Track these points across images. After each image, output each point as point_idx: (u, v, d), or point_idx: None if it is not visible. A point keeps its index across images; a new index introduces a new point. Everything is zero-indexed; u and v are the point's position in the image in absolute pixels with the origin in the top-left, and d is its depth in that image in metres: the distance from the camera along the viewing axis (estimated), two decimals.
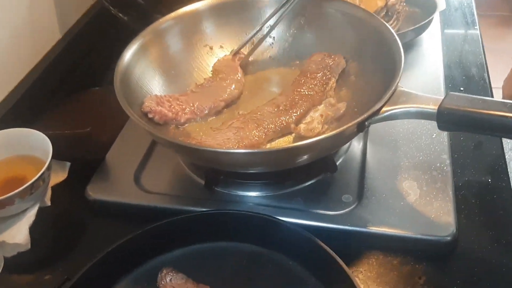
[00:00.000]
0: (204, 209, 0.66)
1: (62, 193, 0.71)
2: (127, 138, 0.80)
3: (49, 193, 0.70)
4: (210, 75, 0.83)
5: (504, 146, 0.77)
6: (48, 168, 0.67)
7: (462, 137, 0.77)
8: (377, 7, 0.92)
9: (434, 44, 0.98)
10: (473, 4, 1.12)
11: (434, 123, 0.75)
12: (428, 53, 0.96)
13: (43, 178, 0.66)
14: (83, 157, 0.77)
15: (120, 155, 0.77)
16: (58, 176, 0.73)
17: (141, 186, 0.72)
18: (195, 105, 0.74)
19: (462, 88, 0.88)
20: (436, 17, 1.02)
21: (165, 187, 0.72)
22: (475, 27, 1.04)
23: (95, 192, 0.71)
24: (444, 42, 0.99)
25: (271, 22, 0.85)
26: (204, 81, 0.81)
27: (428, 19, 0.93)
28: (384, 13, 0.94)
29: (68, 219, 0.72)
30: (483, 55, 0.96)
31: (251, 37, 0.84)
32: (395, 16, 0.95)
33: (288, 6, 0.81)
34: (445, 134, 0.76)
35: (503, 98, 1.26)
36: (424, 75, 0.89)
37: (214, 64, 0.84)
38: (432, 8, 0.96)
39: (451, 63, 0.94)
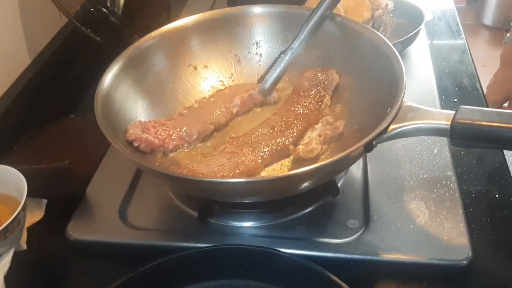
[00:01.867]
0: (198, 245, 0.61)
1: (40, 234, 0.64)
2: (109, 169, 0.74)
3: (24, 235, 0.63)
4: (195, 96, 0.78)
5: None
6: (23, 208, 0.60)
7: (464, 151, 0.74)
8: (364, 18, 0.89)
9: (423, 55, 0.95)
10: (456, 13, 1.11)
11: (435, 138, 0.73)
12: (418, 64, 0.93)
13: (18, 220, 0.60)
14: (61, 192, 0.70)
15: (102, 189, 0.70)
16: (34, 216, 0.66)
17: (128, 222, 0.65)
18: (183, 130, 0.69)
19: (456, 100, 0.85)
20: (423, 28, 0.99)
21: (154, 222, 0.66)
22: (461, 36, 1.03)
23: (77, 232, 0.65)
24: (432, 53, 0.96)
25: (257, 38, 0.81)
26: (195, 102, 0.75)
27: (416, 30, 0.91)
28: (370, 25, 0.92)
29: (48, 263, 0.65)
30: (472, 65, 0.94)
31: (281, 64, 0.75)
32: (382, 28, 0.92)
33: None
34: (446, 149, 0.72)
35: (487, 104, 1.25)
36: (417, 87, 0.86)
37: (224, 88, 0.79)
38: (419, 18, 0.94)
39: (441, 74, 0.92)
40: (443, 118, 0.54)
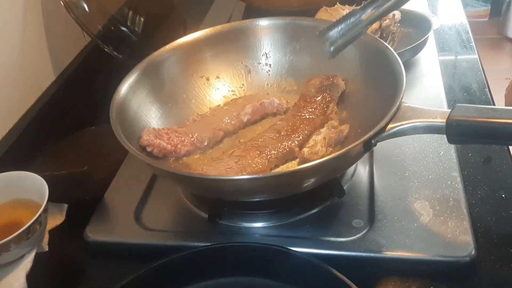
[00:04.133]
0: (209, 244, 0.63)
1: (60, 236, 0.68)
2: (126, 176, 0.77)
3: (46, 237, 0.67)
4: (208, 106, 0.81)
5: None
6: (45, 211, 0.64)
7: (470, 153, 0.75)
8: (372, 29, 0.91)
9: (431, 63, 0.97)
10: (467, 22, 1.12)
11: (440, 141, 0.75)
12: (427, 72, 0.94)
13: (40, 222, 0.64)
14: (81, 197, 0.74)
15: (119, 194, 0.74)
16: (56, 219, 0.70)
17: (142, 224, 0.68)
18: (194, 136, 0.72)
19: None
20: (431, 36, 1.01)
21: (167, 224, 0.69)
22: (471, 44, 1.04)
23: (94, 233, 0.68)
24: (441, 61, 0.98)
25: (266, 50, 0.85)
26: (209, 110, 0.79)
27: (424, 38, 0.93)
28: (378, 35, 0.94)
29: (67, 264, 0.69)
30: (482, 71, 0.95)
31: None
32: (390, 37, 0.94)
33: None
34: (452, 151, 0.74)
35: (506, 106, 1.25)
36: (425, 94, 0.88)
37: (238, 97, 0.83)
38: (427, 27, 0.96)
39: (450, 81, 0.93)
40: (439, 116, 0.56)
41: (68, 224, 0.69)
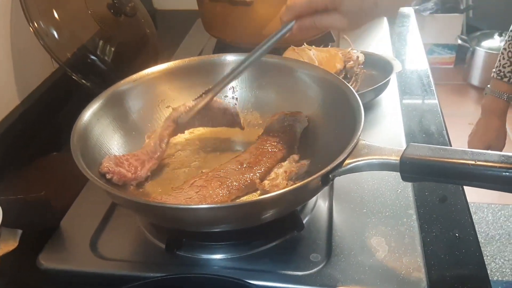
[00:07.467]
0: (165, 274, 0.62)
1: (12, 263, 0.66)
2: (84, 203, 0.76)
3: None
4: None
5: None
6: None
7: (427, 192, 0.77)
8: (336, 69, 0.95)
9: (393, 104, 1.00)
10: (428, 68, 1.17)
11: (398, 179, 0.76)
12: (388, 113, 0.98)
13: None
14: (36, 224, 0.72)
15: (76, 221, 0.73)
16: (9, 245, 0.68)
17: (98, 253, 0.67)
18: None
19: None
20: (394, 79, 1.05)
21: (124, 253, 0.68)
22: (431, 88, 1.08)
23: (48, 261, 0.66)
24: (403, 103, 1.01)
25: (233, 84, 0.86)
26: None
27: (386, 80, 0.96)
28: (342, 75, 0.97)
29: None
30: (441, 114, 0.99)
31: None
32: (353, 78, 0.98)
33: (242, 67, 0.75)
34: (409, 189, 0.76)
35: None
36: (385, 134, 0.91)
37: None
38: (389, 70, 1.00)
39: (410, 122, 0.96)
40: (394, 154, 0.58)
41: (22, 251, 0.68)
